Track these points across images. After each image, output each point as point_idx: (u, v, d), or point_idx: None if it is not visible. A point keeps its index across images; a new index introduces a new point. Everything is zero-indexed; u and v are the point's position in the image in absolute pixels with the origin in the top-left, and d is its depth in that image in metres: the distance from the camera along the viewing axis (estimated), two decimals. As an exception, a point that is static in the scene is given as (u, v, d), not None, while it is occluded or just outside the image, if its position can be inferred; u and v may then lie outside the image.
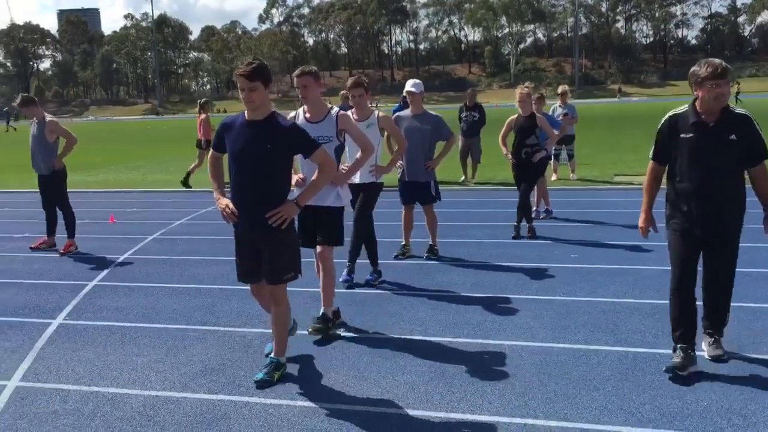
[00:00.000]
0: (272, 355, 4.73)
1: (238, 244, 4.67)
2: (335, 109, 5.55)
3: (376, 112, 6.80)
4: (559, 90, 14.24)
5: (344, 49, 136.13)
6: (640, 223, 4.70)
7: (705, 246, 4.46)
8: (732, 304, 4.70)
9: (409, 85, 7.72)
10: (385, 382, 4.56)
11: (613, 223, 9.71)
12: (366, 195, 6.82)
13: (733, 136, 4.26)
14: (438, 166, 7.86)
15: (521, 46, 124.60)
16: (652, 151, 4.59)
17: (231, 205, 4.48)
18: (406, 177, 7.83)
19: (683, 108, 4.42)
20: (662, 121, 4.47)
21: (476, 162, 14.75)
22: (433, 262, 7.84)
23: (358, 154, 5.83)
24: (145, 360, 5.11)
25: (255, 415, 4.15)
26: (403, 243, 8.11)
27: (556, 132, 9.65)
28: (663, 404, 4.06)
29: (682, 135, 4.34)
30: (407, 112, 7.87)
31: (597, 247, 8.27)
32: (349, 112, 6.30)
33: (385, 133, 7.40)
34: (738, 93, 56.34)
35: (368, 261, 7.06)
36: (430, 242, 8.08)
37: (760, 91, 75.79)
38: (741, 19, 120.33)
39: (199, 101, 16.91)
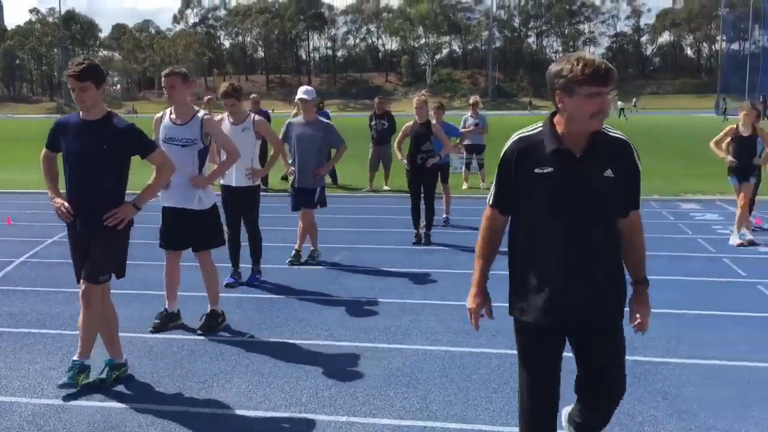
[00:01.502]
0: (76, 357, 4.53)
1: (72, 245, 4.56)
2: (201, 112, 5.54)
3: (252, 116, 6.92)
4: (471, 101, 14.62)
5: (261, 53, 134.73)
6: (470, 303, 3.06)
7: (575, 342, 2.98)
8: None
9: (301, 92, 7.75)
10: (289, 387, 4.53)
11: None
12: (247, 202, 6.97)
13: (609, 172, 2.73)
14: (324, 173, 7.91)
15: (437, 56, 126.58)
16: (491, 194, 2.96)
17: (66, 205, 4.40)
18: (296, 183, 7.86)
19: (536, 128, 2.86)
20: (505, 148, 2.86)
21: (388, 170, 14.88)
22: (343, 267, 7.86)
23: (223, 158, 5.89)
24: (38, 367, 4.89)
25: (153, 423, 4.04)
26: (312, 248, 8.11)
27: (454, 140, 9.96)
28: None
29: (536, 170, 2.74)
30: (299, 119, 7.96)
31: (502, 255, 8.47)
32: (221, 117, 6.74)
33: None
34: (622, 109, 54.47)
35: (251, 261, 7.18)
36: (296, 247, 8.02)
37: (660, 107, 79.78)
38: (644, 39, 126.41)
39: None
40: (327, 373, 4.77)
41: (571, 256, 2.77)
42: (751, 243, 8.72)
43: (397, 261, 8.13)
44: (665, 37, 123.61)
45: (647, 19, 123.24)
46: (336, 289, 6.93)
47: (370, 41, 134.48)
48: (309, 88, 7.93)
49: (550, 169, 2.73)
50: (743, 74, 57.18)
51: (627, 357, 4.96)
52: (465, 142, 14.45)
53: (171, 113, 5.58)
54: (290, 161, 7.92)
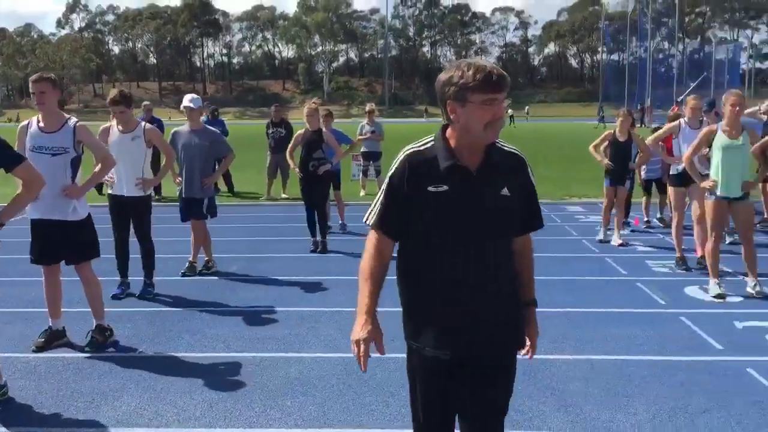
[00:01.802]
0: None
1: None
2: (73, 119, 5.34)
3: (142, 124, 6.76)
4: (367, 108, 14.77)
5: (153, 60, 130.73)
6: (356, 334, 2.58)
7: (468, 378, 2.57)
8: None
9: (187, 100, 7.60)
10: (182, 402, 4.42)
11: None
12: (138, 212, 6.77)
13: (506, 190, 2.50)
14: (211, 182, 7.79)
15: (334, 64, 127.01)
16: (375, 214, 2.60)
17: None
18: (183, 193, 7.70)
19: (427, 142, 2.57)
20: (396, 164, 2.55)
21: (285, 178, 14.79)
22: (239, 276, 7.74)
23: (97, 168, 5.59)
24: None
25: (35, 446, 3.84)
26: (206, 259, 7.95)
27: (345, 146, 10.05)
28: (452, 405, 4.31)
29: (430, 188, 2.46)
30: (185, 127, 7.74)
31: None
32: (109, 125, 6.64)
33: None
34: (512, 116, 55.89)
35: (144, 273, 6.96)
36: (191, 258, 7.87)
37: (547, 115, 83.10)
38: (531, 50, 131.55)
39: None
40: (222, 385, 4.68)
41: (469, 283, 2.48)
42: (603, 241, 9.35)
43: (294, 269, 8.08)
44: (551, 48, 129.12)
45: (534, 31, 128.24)
46: (232, 300, 6.81)
47: (266, 48, 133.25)
48: (194, 96, 7.77)
49: (444, 187, 2.44)
50: (623, 83, 60.53)
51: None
52: (362, 149, 14.60)
53: (39, 121, 5.27)
54: (178, 171, 7.75)
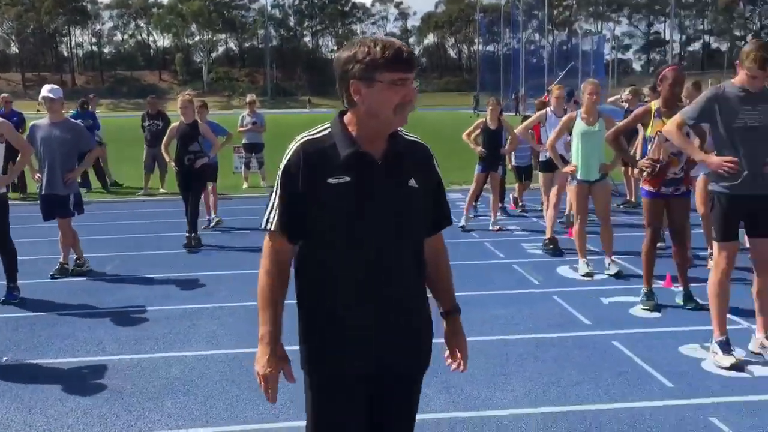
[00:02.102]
0: None
1: None
2: None
3: None
4: (248, 99, 14.52)
5: (15, 49, 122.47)
6: (261, 368, 2.28)
7: (375, 391, 2.35)
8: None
9: (45, 91, 7.14)
10: (53, 410, 4.19)
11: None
12: None
13: (413, 182, 2.25)
14: (74, 178, 7.35)
15: (213, 54, 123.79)
16: (274, 216, 2.25)
17: None
18: (44, 190, 7.23)
19: (323, 129, 2.29)
20: (288, 155, 2.28)
21: (163, 171, 14.29)
22: (114, 276, 7.42)
23: None
24: None
25: None
26: (75, 258, 7.56)
27: (221, 138, 9.85)
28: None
29: (330, 180, 2.18)
30: (45, 120, 7.30)
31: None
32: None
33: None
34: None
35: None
36: (61, 259, 7.47)
37: (428, 104, 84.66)
38: (411, 40, 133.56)
39: None
40: (98, 390, 4.48)
41: (377, 288, 2.21)
42: (465, 229, 9.52)
43: (172, 266, 7.84)
44: (430, 39, 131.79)
45: (414, 21, 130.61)
46: (106, 300, 6.52)
47: (140, 38, 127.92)
48: (54, 86, 7.31)
49: (347, 179, 2.16)
50: (498, 73, 62.61)
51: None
52: (243, 141, 14.35)
53: None
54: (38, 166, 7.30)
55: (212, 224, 10.18)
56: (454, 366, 2.49)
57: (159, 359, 5.02)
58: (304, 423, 3.84)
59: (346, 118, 2.25)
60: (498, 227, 9.54)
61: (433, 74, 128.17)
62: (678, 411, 4.01)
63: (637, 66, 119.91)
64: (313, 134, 2.28)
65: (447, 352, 2.49)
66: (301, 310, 2.33)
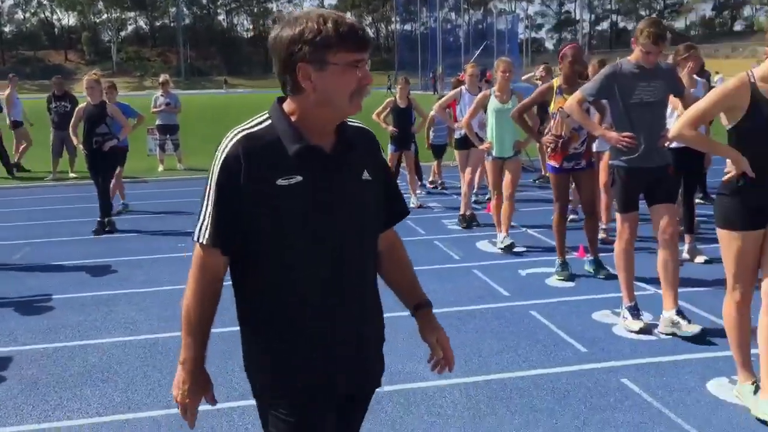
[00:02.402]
0: None
1: None
2: None
3: None
4: (161, 79, 14.13)
5: None
6: (180, 395, 2.03)
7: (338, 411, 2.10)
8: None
9: None
10: (-37, 404, 4.02)
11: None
12: None
13: (366, 174, 2.03)
14: None
15: (122, 33, 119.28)
16: (207, 227, 1.97)
17: None
18: None
19: (261, 121, 1.99)
20: (224, 154, 1.94)
21: (72, 155, 13.74)
22: (24, 265, 7.12)
23: None
24: None
25: None
26: None
27: (132, 120, 9.54)
28: (262, 374, 4.31)
29: (279, 181, 1.89)
30: None
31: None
32: None
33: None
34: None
35: None
36: None
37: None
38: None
39: None
40: (12, 381, 4.31)
41: (336, 296, 1.97)
42: (419, 207, 9.64)
43: (86, 252, 7.59)
44: (348, 18, 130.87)
45: (331, 0, 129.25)
46: (17, 289, 6.26)
47: (43, 15, 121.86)
48: None
49: (298, 178, 1.89)
50: (416, 52, 62.97)
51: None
52: (157, 123, 13.96)
53: None
54: None
55: (121, 210, 9.84)
56: (439, 368, 2.21)
57: (75, 347, 4.87)
58: (227, 404, 3.84)
59: (287, 107, 1.96)
60: (418, 204, 9.65)
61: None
62: (592, 374, 4.20)
63: (549, 45, 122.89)
64: (251, 128, 1.93)
65: (430, 354, 2.21)
66: (251, 328, 2.02)
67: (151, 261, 7.16)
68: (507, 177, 7.22)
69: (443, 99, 8.99)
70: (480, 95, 7.52)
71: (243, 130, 1.94)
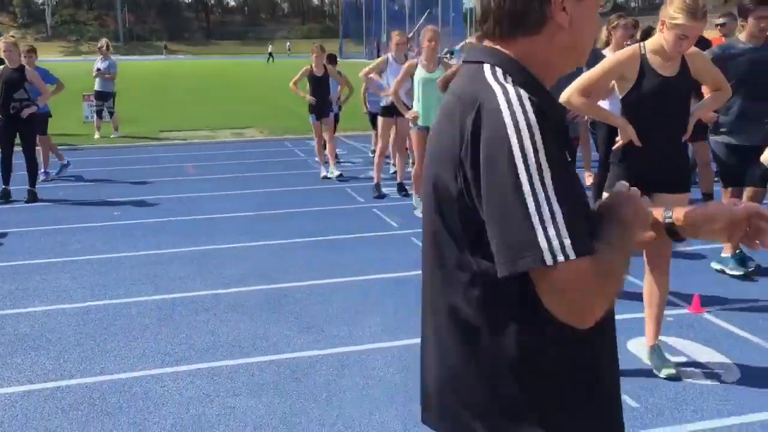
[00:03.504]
0: None
1: None
2: None
3: None
4: (99, 44, 13.75)
5: None
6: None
7: None
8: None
9: None
10: None
11: (159, 177, 9.80)
12: None
13: None
14: None
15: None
16: (563, 231, 1.20)
17: None
18: None
19: (520, 83, 1.32)
20: (532, 117, 1.24)
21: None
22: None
23: None
24: None
25: None
26: None
27: (51, 86, 9.23)
28: (198, 341, 4.33)
29: (569, 158, 1.39)
30: None
31: (141, 204, 8.26)
32: None
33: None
34: (271, 53, 62.80)
35: None
36: None
37: (304, 52, 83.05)
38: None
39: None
40: (-63, 352, 4.23)
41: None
42: (326, 178, 9.47)
43: (18, 220, 7.41)
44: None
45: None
46: (-56, 259, 6.09)
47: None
48: None
49: (569, 157, 1.39)
50: (361, 20, 62.42)
51: (263, 286, 5.30)
52: (95, 89, 13.60)
53: None
54: None
55: (47, 178, 9.60)
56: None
57: (5, 316, 4.78)
58: (164, 370, 3.86)
59: (518, 55, 1.37)
60: (338, 173, 9.55)
61: (295, 20, 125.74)
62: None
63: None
64: (529, 93, 1.29)
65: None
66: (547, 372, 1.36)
67: (84, 229, 7.03)
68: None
69: (369, 67, 8.85)
70: (407, 64, 7.47)
71: (525, 94, 1.27)
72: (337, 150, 10.56)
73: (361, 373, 3.89)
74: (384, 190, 8.47)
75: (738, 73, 5.00)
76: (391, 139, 8.65)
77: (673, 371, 3.73)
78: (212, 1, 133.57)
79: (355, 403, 3.55)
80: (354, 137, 13.32)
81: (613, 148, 3.81)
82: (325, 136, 9.56)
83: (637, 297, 4.02)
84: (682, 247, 5.45)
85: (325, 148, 9.62)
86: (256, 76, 39.02)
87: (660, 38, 3.54)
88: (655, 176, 3.64)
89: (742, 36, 5.20)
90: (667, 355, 3.87)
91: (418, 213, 7.24)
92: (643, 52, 3.63)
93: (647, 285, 3.85)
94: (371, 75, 8.72)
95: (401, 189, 8.39)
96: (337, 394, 3.64)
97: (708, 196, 7.10)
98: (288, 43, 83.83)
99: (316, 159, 9.87)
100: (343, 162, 10.98)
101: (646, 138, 3.62)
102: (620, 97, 3.75)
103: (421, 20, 36.62)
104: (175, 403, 3.58)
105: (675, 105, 3.67)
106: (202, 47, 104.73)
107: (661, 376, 3.73)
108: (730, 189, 5.42)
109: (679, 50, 3.50)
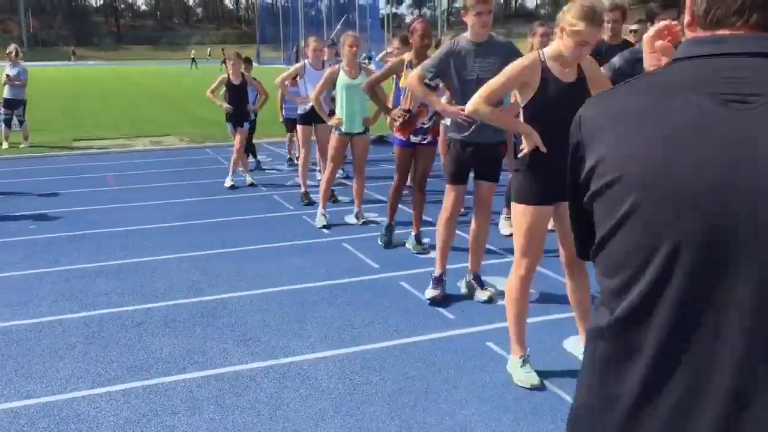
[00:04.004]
0: None
1: None
2: None
3: None
4: (8, 50, 13.13)
5: None
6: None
7: None
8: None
9: None
10: None
11: (75, 188, 9.41)
12: None
13: None
14: None
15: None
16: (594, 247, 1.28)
17: None
18: None
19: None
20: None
21: None
22: None
23: None
24: None
25: None
26: None
27: None
28: (130, 359, 4.17)
29: None
30: None
31: (59, 217, 7.90)
32: None
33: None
34: (194, 59, 63.70)
35: None
36: None
37: (215, 57, 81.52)
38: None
39: None
40: None
41: None
42: (233, 186, 9.29)
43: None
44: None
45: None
46: None
47: None
48: None
49: None
50: (278, 25, 61.85)
51: (195, 299, 5.16)
52: (5, 96, 12.99)
53: None
54: None
55: None
56: None
57: None
58: (96, 391, 3.69)
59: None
60: (231, 183, 9.36)
61: (210, 25, 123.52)
62: (460, 340, 4.39)
63: (410, 20, 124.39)
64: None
65: None
66: None
67: None
68: (355, 155, 7.28)
69: (285, 73, 8.70)
70: (329, 70, 7.37)
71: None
72: (260, 157, 10.41)
73: (303, 384, 3.83)
74: (313, 197, 8.39)
75: None
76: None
77: (538, 382, 3.75)
78: (122, 5, 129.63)
79: (299, 415, 3.50)
80: (278, 144, 13.16)
81: (518, 155, 3.80)
82: (236, 145, 9.39)
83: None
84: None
85: (254, 156, 9.47)
86: (171, 82, 38.09)
87: (559, 45, 3.55)
88: (559, 183, 3.59)
89: None
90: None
91: (318, 224, 7.21)
92: (543, 59, 3.63)
93: (569, 289, 3.94)
94: (287, 82, 8.63)
95: (306, 197, 8.26)
96: (281, 407, 3.58)
97: None
98: (209, 49, 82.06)
99: (230, 167, 9.59)
100: (268, 169, 10.85)
101: (551, 145, 3.59)
102: (522, 104, 3.73)
103: (338, 26, 36.64)
104: (111, 425, 3.43)
105: (576, 111, 3.69)
106: (113, 53, 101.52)
107: (525, 387, 3.74)
108: None
109: (579, 56, 3.53)
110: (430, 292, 5.04)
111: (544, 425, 3.37)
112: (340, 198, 8.44)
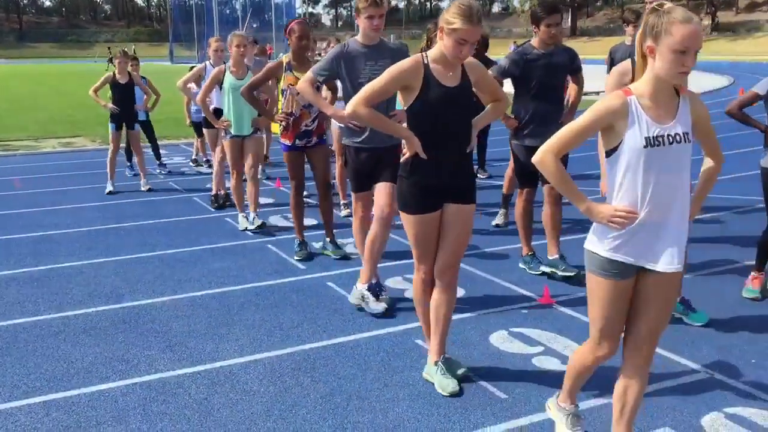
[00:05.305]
0: None
1: None
2: None
3: None
4: None
5: None
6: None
7: None
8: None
9: None
10: None
11: (-22, 193, 8.95)
12: None
13: None
14: None
15: None
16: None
17: None
18: None
19: None
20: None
21: None
22: None
23: None
24: None
25: None
26: None
27: None
28: (49, 370, 4.00)
29: None
30: None
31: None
32: None
33: None
34: (111, 58, 60.47)
35: None
36: None
37: (152, 55, 78.68)
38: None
39: None
40: None
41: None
42: (112, 192, 8.93)
43: None
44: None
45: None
46: None
47: None
48: None
49: None
50: (191, 23, 60.50)
51: (116, 305, 5.01)
52: None
53: None
54: None
55: None
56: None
57: None
58: (14, 404, 3.52)
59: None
60: (148, 187, 9.16)
61: (119, 23, 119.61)
62: (389, 338, 4.42)
63: (326, 20, 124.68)
64: None
65: None
66: None
67: None
68: (245, 158, 7.07)
69: (187, 75, 8.48)
70: (214, 71, 7.20)
71: None
72: (180, 158, 10.17)
73: (233, 388, 3.78)
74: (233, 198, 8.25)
75: (534, 77, 5.33)
76: (199, 145, 8.29)
77: (456, 389, 3.67)
78: (25, 1, 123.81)
79: (230, 420, 3.45)
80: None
81: (401, 161, 3.72)
82: (134, 149, 9.15)
83: (496, 294, 4.22)
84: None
85: (129, 161, 9.21)
86: (78, 82, 36.63)
87: (441, 46, 3.50)
88: (443, 188, 3.64)
89: (534, 42, 5.44)
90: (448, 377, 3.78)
91: (240, 226, 7.09)
92: (426, 62, 3.54)
93: (432, 303, 3.80)
94: (191, 84, 8.45)
95: (216, 200, 8.12)
96: (211, 413, 3.52)
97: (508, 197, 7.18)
98: (133, 48, 79.14)
99: (107, 171, 9.12)
100: (188, 171, 10.61)
101: (432, 149, 3.53)
102: (405, 107, 3.65)
103: (254, 25, 36.17)
104: (31, 440, 3.29)
105: (459, 116, 3.61)
106: (15, 50, 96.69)
107: (444, 394, 3.66)
108: (525, 189, 5.61)
109: (459, 56, 3.45)
110: (377, 305, 4.81)
111: (474, 419, 3.44)
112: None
